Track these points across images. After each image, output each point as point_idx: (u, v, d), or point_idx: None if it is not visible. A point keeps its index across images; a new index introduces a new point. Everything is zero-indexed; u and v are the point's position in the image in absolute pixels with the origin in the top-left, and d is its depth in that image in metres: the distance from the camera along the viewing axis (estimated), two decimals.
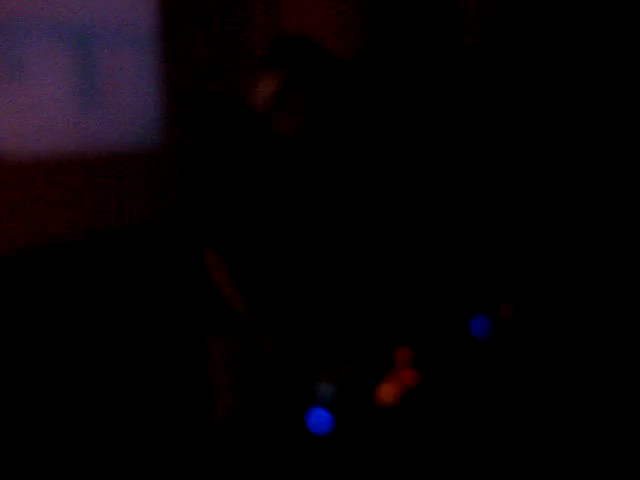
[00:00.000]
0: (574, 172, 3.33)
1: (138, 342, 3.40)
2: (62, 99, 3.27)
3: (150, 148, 3.46)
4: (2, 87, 3.10)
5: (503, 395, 2.56)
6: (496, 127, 3.43)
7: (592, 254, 3.17)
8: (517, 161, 3.39)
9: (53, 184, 3.23)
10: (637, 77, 3.29)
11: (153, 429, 3.22)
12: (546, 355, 2.78)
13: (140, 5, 3.44)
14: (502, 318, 2.92)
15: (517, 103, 3.47)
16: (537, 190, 3.36)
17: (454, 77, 3.50)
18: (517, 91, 3.49)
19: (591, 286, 3.07)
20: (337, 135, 2.81)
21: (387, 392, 2.47)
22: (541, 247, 3.27)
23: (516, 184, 3.38)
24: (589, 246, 3.20)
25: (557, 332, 2.92)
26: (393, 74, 3.45)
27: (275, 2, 3.61)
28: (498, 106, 3.47)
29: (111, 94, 3.38)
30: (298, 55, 2.57)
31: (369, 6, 3.55)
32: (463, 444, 2.35)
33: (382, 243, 3.05)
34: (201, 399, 2.75)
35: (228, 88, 3.55)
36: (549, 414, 2.49)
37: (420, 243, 3.13)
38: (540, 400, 2.55)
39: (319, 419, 2.33)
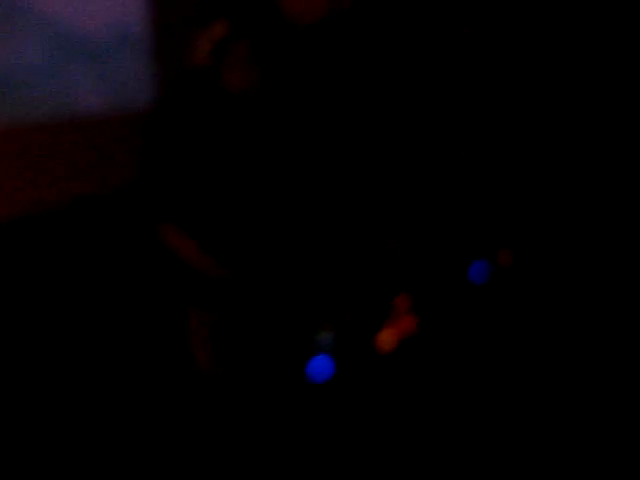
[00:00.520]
0: (575, 118, 3.32)
1: (114, 312, 3.37)
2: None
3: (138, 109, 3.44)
4: None
5: (501, 341, 2.58)
6: (494, 72, 3.40)
7: (592, 201, 3.16)
8: (516, 103, 3.37)
9: (33, 148, 3.22)
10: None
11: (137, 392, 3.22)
12: (544, 301, 2.78)
13: None
14: (501, 263, 2.92)
15: (515, 42, 3.44)
16: (537, 134, 3.34)
17: (449, 24, 3.46)
18: (514, 31, 3.46)
19: (591, 231, 3.07)
20: (295, 87, 2.73)
21: (386, 339, 2.49)
22: (540, 191, 3.26)
23: (516, 126, 3.36)
24: (589, 192, 3.19)
25: (556, 277, 2.92)
26: (388, 18, 3.41)
27: None
28: (498, 50, 3.44)
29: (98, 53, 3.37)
30: (235, 4, 2.48)
31: None
32: (461, 392, 2.37)
33: (370, 190, 3.03)
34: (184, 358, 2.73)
35: None
36: (547, 363, 2.50)
37: (415, 188, 3.12)
38: (538, 348, 2.56)
39: (319, 367, 2.35)
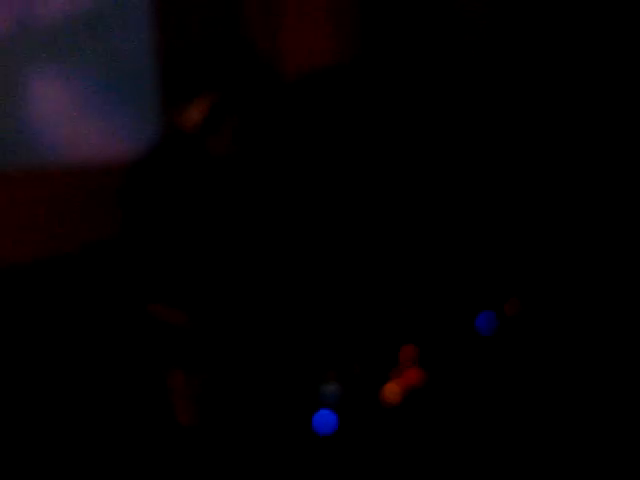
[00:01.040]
0: (578, 167, 3.32)
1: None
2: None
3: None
4: None
5: (509, 392, 2.56)
6: (496, 123, 3.43)
7: (598, 249, 3.15)
8: (520, 154, 3.39)
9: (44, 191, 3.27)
10: (635, 64, 3.28)
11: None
12: (552, 351, 2.77)
13: None
14: (507, 313, 2.91)
15: (516, 102, 3.47)
16: (542, 183, 3.35)
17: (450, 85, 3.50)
18: (516, 90, 3.49)
19: (597, 282, 3.06)
20: (282, 150, 2.72)
21: (392, 391, 2.48)
22: (547, 241, 3.26)
23: (521, 178, 3.37)
24: (595, 241, 3.18)
25: (563, 328, 2.90)
26: (385, 82, 3.45)
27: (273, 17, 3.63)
28: (497, 105, 3.47)
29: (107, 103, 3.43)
30: (229, 76, 2.47)
31: (364, 14, 3.56)
32: (468, 443, 2.35)
33: (366, 246, 3.04)
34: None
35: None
36: (554, 412, 2.48)
37: (419, 239, 3.13)
38: (545, 397, 2.54)
39: (324, 420, 2.34)
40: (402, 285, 2.98)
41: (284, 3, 3.56)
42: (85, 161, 3.40)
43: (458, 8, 3.59)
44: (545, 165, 3.39)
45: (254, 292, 2.58)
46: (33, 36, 3.29)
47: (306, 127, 3.07)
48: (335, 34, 3.50)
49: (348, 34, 3.51)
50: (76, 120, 3.36)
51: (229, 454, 2.39)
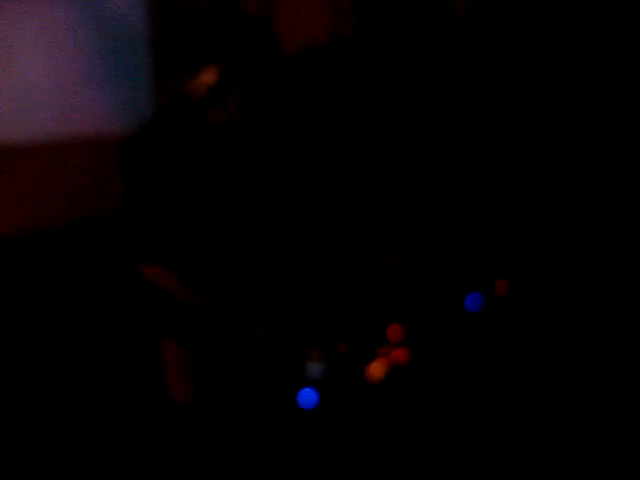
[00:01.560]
0: (567, 152, 3.32)
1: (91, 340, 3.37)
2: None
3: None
4: None
5: (495, 373, 2.57)
6: (486, 107, 3.43)
7: (589, 231, 3.15)
8: (510, 141, 3.39)
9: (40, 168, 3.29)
10: (634, 62, 3.27)
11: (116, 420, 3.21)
12: (540, 332, 2.78)
13: None
14: (497, 293, 2.92)
15: (509, 94, 3.46)
16: (532, 167, 3.35)
17: (441, 73, 3.49)
18: (508, 81, 3.48)
19: (587, 263, 3.06)
20: (277, 123, 2.72)
21: (377, 368, 2.50)
22: (537, 222, 3.27)
23: (511, 161, 3.37)
24: (586, 222, 3.18)
25: (552, 309, 2.91)
26: (378, 62, 3.45)
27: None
28: (489, 101, 3.47)
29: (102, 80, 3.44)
30: (233, 45, 2.43)
31: None
32: (453, 423, 2.37)
33: (362, 218, 3.04)
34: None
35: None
36: (542, 394, 2.49)
37: (412, 215, 3.13)
38: (533, 379, 2.55)
39: (308, 397, 2.36)
40: (391, 263, 3.00)
41: None
42: (79, 134, 3.42)
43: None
44: (533, 149, 3.40)
45: (250, 268, 2.60)
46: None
47: (305, 99, 3.08)
48: (330, 13, 3.50)
49: (344, 13, 3.51)
50: (70, 93, 3.37)
51: (217, 430, 2.42)
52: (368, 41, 3.45)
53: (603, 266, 3.04)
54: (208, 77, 2.43)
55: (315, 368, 2.46)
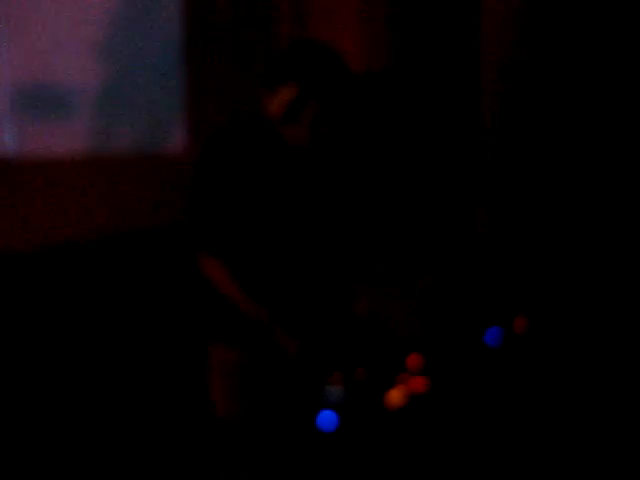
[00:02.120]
0: (590, 185, 3.35)
1: (140, 347, 3.42)
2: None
3: (170, 151, 3.54)
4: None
5: (512, 405, 2.58)
6: (512, 140, 3.46)
7: (606, 268, 3.17)
8: (532, 168, 3.42)
9: (71, 182, 3.32)
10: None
11: (155, 430, 3.24)
12: (557, 368, 2.78)
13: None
14: (515, 330, 2.93)
15: (534, 121, 3.50)
16: (553, 203, 3.38)
17: (472, 99, 3.54)
18: (535, 110, 3.52)
19: (604, 300, 3.07)
20: (344, 147, 2.82)
21: (396, 397, 2.50)
22: (557, 260, 3.28)
23: (532, 194, 3.40)
24: (603, 260, 3.20)
25: (570, 346, 2.92)
26: (412, 90, 3.49)
27: (301, 17, 3.67)
28: (516, 123, 3.50)
29: (133, 96, 3.48)
30: (313, 65, 2.57)
31: (395, 22, 3.61)
32: (469, 452, 2.37)
33: (389, 251, 3.07)
34: (202, 399, 2.75)
35: (248, 97, 3.61)
36: (558, 427, 2.49)
37: (432, 252, 3.15)
38: (549, 413, 2.55)
39: (328, 419, 2.36)
40: (412, 292, 3.01)
41: (315, 10, 3.61)
42: (119, 149, 3.47)
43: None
44: (557, 182, 3.43)
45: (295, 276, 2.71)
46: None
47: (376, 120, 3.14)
48: (365, 41, 3.54)
49: (378, 42, 3.56)
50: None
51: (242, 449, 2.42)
52: (399, 75, 3.50)
53: (619, 305, 3.05)
54: (287, 93, 2.56)
55: (334, 392, 2.46)
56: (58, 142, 3.34)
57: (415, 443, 2.35)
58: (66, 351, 3.28)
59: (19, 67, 3.24)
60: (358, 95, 2.82)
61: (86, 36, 3.39)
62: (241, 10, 3.64)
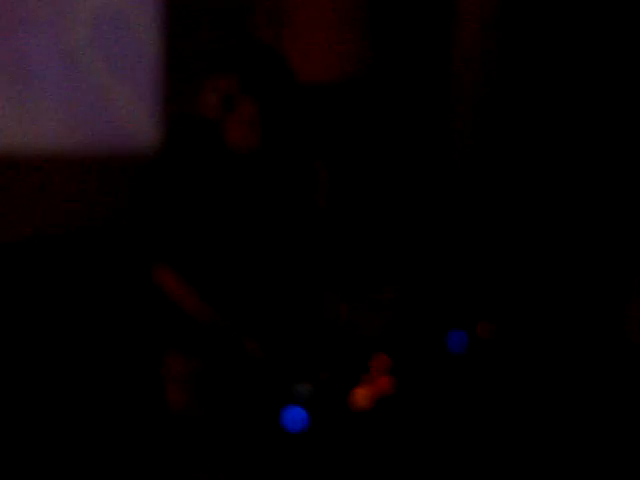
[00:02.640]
0: (558, 188, 3.39)
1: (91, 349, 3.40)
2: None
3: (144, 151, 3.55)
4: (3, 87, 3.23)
5: (477, 405, 2.62)
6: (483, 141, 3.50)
7: (573, 271, 3.22)
8: (500, 174, 3.46)
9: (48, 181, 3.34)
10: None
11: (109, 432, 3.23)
12: (523, 372, 2.83)
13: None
14: (479, 335, 2.98)
15: (511, 124, 3.54)
16: (519, 206, 3.42)
17: (444, 104, 3.58)
18: (512, 110, 3.56)
19: (571, 304, 3.12)
20: (293, 152, 2.80)
21: (361, 396, 2.54)
22: (523, 264, 3.33)
23: (498, 194, 3.44)
24: (570, 263, 3.25)
25: (536, 350, 2.97)
26: (385, 96, 3.53)
27: (277, 29, 3.70)
28: (489, 129, 3.54)
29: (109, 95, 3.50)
30: (247, 60, 2.54)
31: (371, 28, 3.65)
32: (434, 452, 2.41)
33: (354, 259, 3.09)
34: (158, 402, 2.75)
35: None
36: (524, 430, 2.54)
37: (397, 254, 3.19)
38: (514, 416, 2.60)
39: (295, 417, 2.40)
40: (377, 298, 3.05)
41: (291, 17, 3.65)
42: (85, 150, 3.48)
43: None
44: (520, 190, 3.48)
45: (251, 284, 2.67)
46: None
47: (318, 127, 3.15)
48: (341, 48, 3.59)
49: (357, 48, 3.60)
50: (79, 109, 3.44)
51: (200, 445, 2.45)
52: (375, 84, 3.54)
53: (586, 309, 3.10)
54: (222, 85, 2.52)
55: (302, 390, 2.50)
56: (29, 140, 3.35)
57: (380, 444, 2.40)
58: (23, 354, 3.27)
59: None
60: (303, 103, 2.76)
61: (60, 34, 3.40)
62: (218, 14, 3.68)
